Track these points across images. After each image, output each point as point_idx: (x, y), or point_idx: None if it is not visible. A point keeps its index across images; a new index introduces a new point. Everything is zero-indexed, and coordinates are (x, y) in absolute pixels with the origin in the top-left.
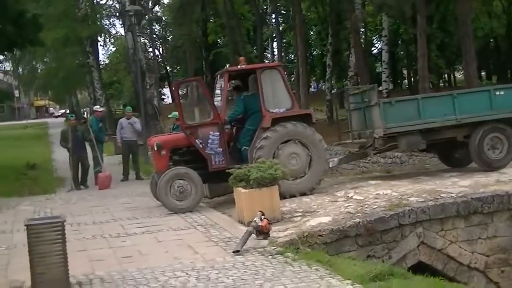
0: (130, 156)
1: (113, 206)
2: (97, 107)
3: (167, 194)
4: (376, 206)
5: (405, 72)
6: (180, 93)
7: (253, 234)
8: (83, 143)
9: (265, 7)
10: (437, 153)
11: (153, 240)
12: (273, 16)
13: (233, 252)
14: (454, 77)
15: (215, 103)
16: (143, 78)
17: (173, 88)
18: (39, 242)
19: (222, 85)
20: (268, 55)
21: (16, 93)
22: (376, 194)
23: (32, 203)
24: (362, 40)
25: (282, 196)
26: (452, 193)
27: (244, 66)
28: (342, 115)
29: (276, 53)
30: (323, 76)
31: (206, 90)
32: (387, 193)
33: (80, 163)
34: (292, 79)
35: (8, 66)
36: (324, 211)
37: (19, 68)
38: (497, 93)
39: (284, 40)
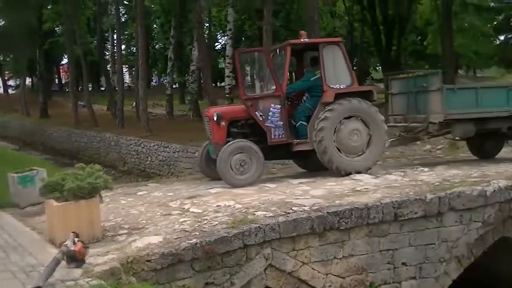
0: None
1: None
2: None
3: (227, 167)
4: (216, 222)
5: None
6: None
7: (63, 261)
8: None
9: None
10: (469, 143)
11: None
12: (114, 5)
13: None
14: None
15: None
16: None
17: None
18: None
19: (283, 59)
20: (108, 46)
21: None
22: (217, 206)
23: None
24: (206, 35)
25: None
26: (305, 206)
27: (306, 40)
28: (182, 110)
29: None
30: (165, 70)
31: (270, 62)
32: (230, 205)
33: None
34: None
35: None
36: (154, 228)
37: None
38: None
39: (126, 32)
